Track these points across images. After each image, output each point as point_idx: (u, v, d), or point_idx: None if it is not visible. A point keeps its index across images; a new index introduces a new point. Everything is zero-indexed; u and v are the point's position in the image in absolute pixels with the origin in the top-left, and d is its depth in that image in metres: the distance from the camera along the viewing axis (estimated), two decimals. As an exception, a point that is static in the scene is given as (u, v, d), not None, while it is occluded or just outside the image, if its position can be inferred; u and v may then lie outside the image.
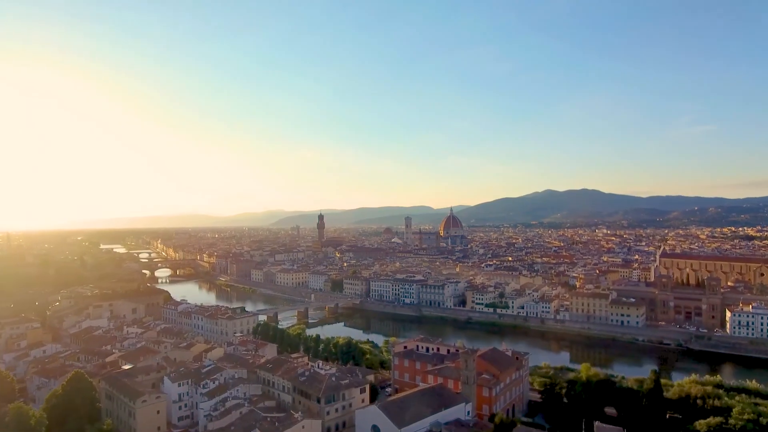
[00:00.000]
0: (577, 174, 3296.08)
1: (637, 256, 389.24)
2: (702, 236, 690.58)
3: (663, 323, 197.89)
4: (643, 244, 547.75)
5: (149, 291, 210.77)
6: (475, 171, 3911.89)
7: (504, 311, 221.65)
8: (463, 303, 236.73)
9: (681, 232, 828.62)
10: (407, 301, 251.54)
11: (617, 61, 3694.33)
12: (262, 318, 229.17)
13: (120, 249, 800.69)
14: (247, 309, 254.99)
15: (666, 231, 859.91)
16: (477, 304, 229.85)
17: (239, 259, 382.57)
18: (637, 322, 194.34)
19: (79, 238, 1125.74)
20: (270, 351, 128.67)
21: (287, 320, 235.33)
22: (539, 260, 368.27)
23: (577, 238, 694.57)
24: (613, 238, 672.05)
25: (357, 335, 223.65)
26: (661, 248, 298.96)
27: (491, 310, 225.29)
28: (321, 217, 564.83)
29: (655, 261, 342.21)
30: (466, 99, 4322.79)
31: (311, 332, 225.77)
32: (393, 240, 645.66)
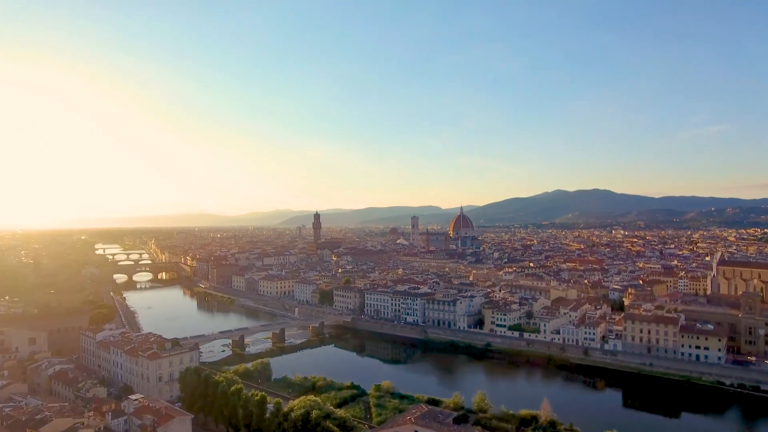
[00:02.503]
0: (587, 174, 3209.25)
1: (675, 262, 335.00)
2: (730, 238, 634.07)
3: (753, 358, 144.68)
4: (673, 246, 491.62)
5: (72, 311, 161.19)
6: (483, 170, 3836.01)
7: (534, 336, 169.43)
8: (480, 323, 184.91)
9: (704, 233, 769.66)
10: (410, 319, 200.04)
11: (629, 59, 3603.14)
12: (225, 342, 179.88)
13: (115, 249, 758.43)
14: (220, 326, 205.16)
15: (689, 232, 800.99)
16: (498, 325, 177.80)
17: (221, 263, 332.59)
18: (719, 358, 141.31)
19: (83, 237, 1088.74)
20: (179, 429, 78.34)
21: (258, 344, 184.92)
22: (564, 266, 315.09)
23: (596, 240, 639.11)
24: (635, 240, 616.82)
25: (349, 360, 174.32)
26: (719, 254, 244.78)
27: (516, 334, 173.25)
28: (317, 216, 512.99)
29: (702, 268, 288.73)
30: (475, 97, 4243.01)
31: (286, 361, 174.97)
32: (398, 241, 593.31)
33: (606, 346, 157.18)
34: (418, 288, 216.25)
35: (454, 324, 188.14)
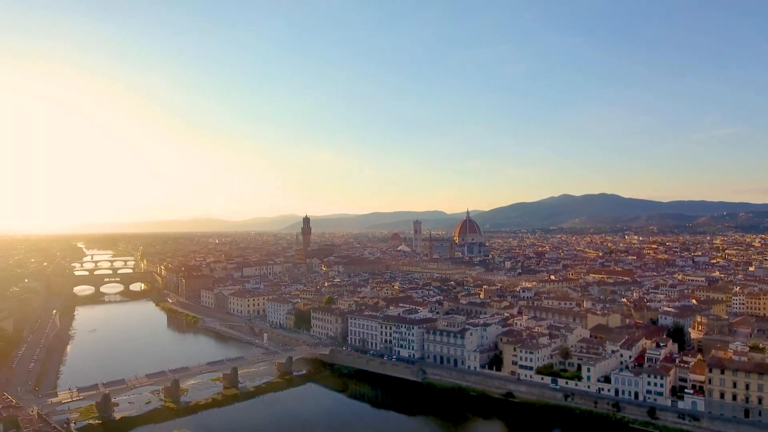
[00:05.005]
0: (594, 178, 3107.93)
1: (717, 273, 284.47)
2: (755, 243, 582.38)
3: None
4: (700, 254, 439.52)
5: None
6: (489, 175, 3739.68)
7: (573, 384, 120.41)
8: (497, 362, 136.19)
9: (724, 238, 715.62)
10: (404, 353, 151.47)
11: (637, 62, 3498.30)
12: (153, 390, 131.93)
13: (106, 255, 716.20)
14: (164, 360, 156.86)
15: (708, 237, 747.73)
16: (522, 367, 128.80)
17: (191, 274, 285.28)
18: None
19: (79, 243, 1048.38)
20: None
21: (201, 390, 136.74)
22: (590, 278, 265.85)
23: (612, 246, 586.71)
24: (654, 246, 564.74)
25: (316, 418, 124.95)
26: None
27: (548, 380, 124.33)
28: (306, 220, 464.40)
29: (751, 281, 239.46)
30: (482, 100, 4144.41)
31: (231, 415, 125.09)
32: (399, 248, 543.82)
33: (681, 404, 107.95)
34: (416, 311, 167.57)
35: (463, 362, 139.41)
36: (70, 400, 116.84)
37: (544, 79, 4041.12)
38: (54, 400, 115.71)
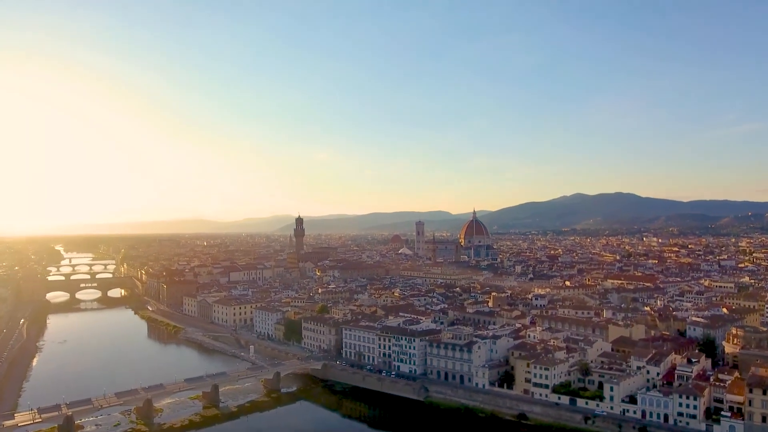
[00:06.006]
0: (608, 176, 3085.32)
1: (747, 278, 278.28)
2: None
3: None
4: (726, 257, 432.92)
5: None
6: (497, 173, 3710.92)
7: (595, 406, 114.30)
8: (508, 379, 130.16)
9: (750, 241, 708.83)
10: (404, 368, 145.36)
11: (654, 52, 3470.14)
12: (123, 410, 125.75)
13: (86, 259, 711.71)
14: (142, 375, 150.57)
15: (733, 239, 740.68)
16: (537, 385, 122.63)
17: (173, 279, 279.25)
18: None
19: (58, 246, 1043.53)
20: None
21: (179, 410, 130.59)
22: (608, 283, 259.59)
23: (630, 249, 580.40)
24: (675, 249, 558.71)
25: (316, 425, 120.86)
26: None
27: (566, 399, 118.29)
28: (299, 221, 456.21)
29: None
30: (489, 94, 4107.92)
31: None
32: (400, 251, 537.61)
33: (717, 429, 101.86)
34: (418, 321, 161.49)
35: (470, 379, 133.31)
36: (30, 422, 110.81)
37: (555, 72, 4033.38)
38: (10, 423, 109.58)
